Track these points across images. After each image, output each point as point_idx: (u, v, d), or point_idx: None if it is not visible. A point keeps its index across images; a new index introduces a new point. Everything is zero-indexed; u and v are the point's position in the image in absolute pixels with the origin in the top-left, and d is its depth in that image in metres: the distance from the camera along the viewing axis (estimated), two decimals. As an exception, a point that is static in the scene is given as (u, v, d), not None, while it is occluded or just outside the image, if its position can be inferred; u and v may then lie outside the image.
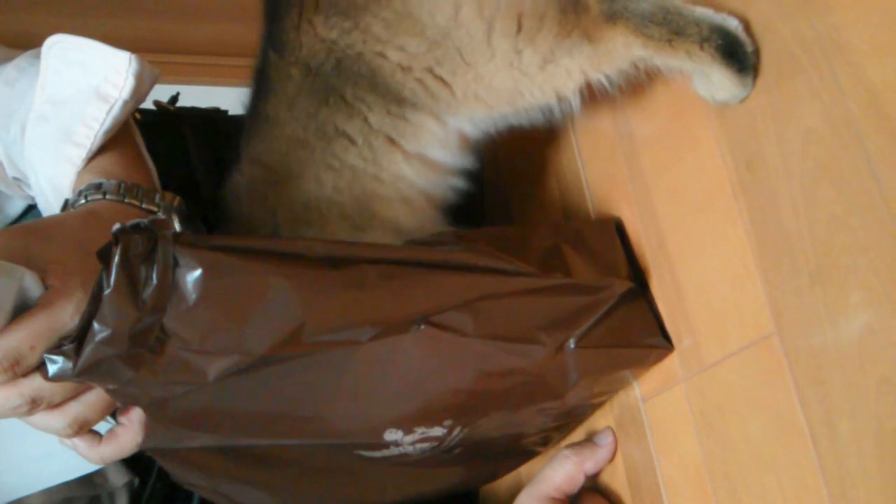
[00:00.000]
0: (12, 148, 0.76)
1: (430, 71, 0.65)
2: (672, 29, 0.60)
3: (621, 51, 0.61)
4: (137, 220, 0.46)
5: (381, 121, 0.68)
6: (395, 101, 0.67)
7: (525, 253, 0.60)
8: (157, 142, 0.76)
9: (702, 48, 0.59)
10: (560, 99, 0.65)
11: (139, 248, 0.46)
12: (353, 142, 0.68)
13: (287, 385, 0.54)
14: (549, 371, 0.61)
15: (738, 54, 0.57)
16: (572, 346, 0.60)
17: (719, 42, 0.58)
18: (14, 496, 0.77)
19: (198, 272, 0.47)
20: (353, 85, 0.67)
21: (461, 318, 0.56)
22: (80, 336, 0.47)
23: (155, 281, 0.46)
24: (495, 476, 0.82)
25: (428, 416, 0.61)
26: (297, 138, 0.69)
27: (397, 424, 0.60)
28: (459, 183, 0.75)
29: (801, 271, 0.52)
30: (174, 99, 0.92)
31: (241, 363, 0.50)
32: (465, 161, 0.74)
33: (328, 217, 0.69)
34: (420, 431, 0.61)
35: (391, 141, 0.69)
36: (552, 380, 0.62)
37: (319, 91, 0.68)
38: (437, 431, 0.62)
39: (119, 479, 0.90)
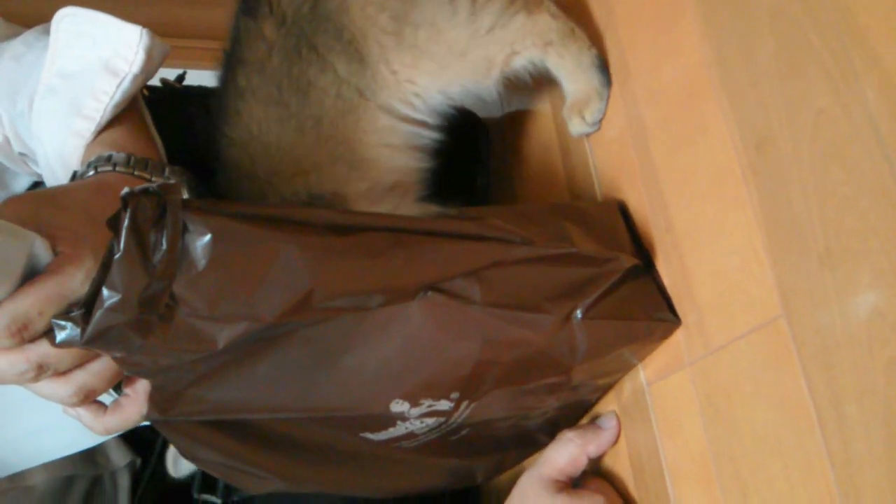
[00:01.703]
0: (19, 122, 0.76)
1: (395, 19, 0.70)
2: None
3: (542, 28, 0.73)
4: (146, 185, 0.46)
5: (349, 70, 0.70)
6: (356, 50, 0.71)
7: (531, 227, 0.60)
8: (164, 119, 0.76)
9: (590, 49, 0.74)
10: (489, 69, 0.74)
11: (148, 212, 0.46)
12: (326, 94, 0.70)
13: (295, 354, 0.54)
14: (556, 343, 0.61)
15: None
16: (579, 316, 0.60)
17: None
18: (14, 469, 0.77)
19: (207, 238, 0.47)
20: (323, 32, 0.69)
21: (468, 286, 0.57)
22: (90, 302, 0.47)
23: (164, 246, 0.46)
24: (500, 468, 0.82)
25: (434, 388, 0.61)
26: (273, 99, 0.70)
27: (404, 395, 0.60)
28: (439, 136, 0.78)
29: (810, 253, 0.52)
30: (181, 78, 0.92)
31: (251, 330, 0.50)
32: (438, 119, 0.77)
33: (321, 162, 0.70)
34: (426, 404, 0.61)
35: (361, 93, 0.71)
36: (559, 353, 0.62)
37: (291, 46, 0.70)
38: (444, 405, 0.62)
39: (121, 459, 0.91)
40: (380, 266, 0.53)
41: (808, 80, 0.52)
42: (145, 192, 0.46)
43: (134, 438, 0.91)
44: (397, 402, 0.60)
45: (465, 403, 0.63)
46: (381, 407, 0.61)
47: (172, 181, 0.64)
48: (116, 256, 0.45)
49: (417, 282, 0.55)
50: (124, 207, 0.46)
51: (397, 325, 0.56)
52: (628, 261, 0.63)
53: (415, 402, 0.61)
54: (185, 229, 0.47)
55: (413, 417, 0.63)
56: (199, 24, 1.50)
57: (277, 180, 0.71)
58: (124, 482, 0.91)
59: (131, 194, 0.46)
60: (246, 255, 0.49)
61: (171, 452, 0.78)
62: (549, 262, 0.60)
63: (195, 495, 0.82)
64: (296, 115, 0.70)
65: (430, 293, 0.56)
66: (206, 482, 0.82)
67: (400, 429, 0.64)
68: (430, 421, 0.64)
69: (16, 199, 0.57)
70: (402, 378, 0.59)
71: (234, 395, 0.56)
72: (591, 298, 0.61)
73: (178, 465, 0.80)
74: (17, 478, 0.82)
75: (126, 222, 0.45)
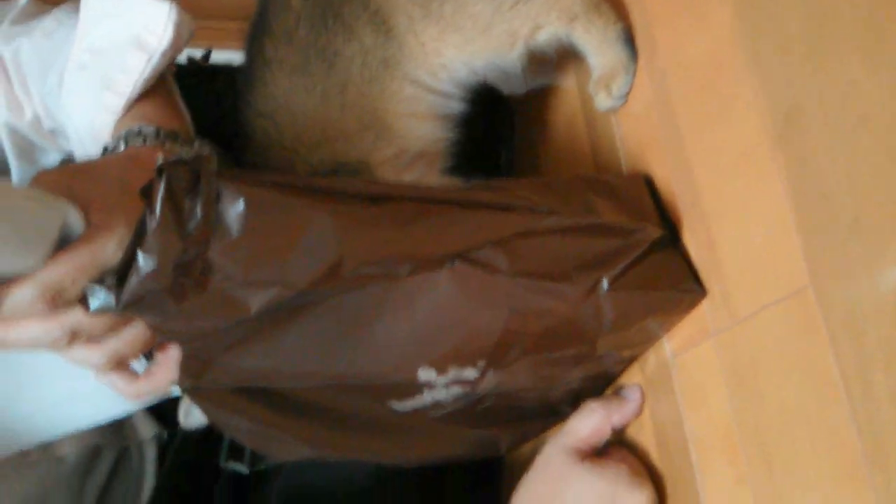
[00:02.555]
0: (49, 98, 0.77)
1: None
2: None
3: (567, 2, 0.73)
4: (180, 155, 0.47)
5: (375, 41, 0.70)
6: (382, 21, 0.71)
7: (557, 199, 0.60)
8: (191, 95, 0.77)
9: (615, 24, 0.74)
10: (513, 43, 0.74)
11: (183, 181, 0.47)
12: (352, 63, 0.71)
13: (324, 322, 0.55)
14: (582, 313, 0.61)
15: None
16: (605, 286, 0.61)
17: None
18: (47, 437, 0.78)
19: (241, 205, 0.48)
20: (349, 2, 0.70)
21: (495, 255, 0.57)
22: (125, 269, 0.48)
23: (199, 214, 0.47)
24: (524, 438, 0.82)
25: (461, 356, 0.61)
26: (299, 68, 0.71)
27: (431, 363, 0.61)
28: (463, 107, 0.79)
29: (838, 223, 0.52)
30: (206, 56, 0.92)
31: (283, 296, 0.51)
32: (462, 90, 0.78)
33: (347, 130, 0.71)
34: (453, 372, 0.62)
35: (386, 63, 0.71)
36: (585, 323, 0.62)
37: (318, 16, 0.71)
38: (470, 373, 0.63)
39: (148, 431, 0.92)
40: (408, 235, 0.54)
41: (839, 49, 0.52)
42: (180, 161, 0.47)
43: (160, 412, 0.92)
44: (424, 370, 0.61)
45: (490, 372, 0.64)
46: (408, 374, 0.61)
47: (204, 153, 0.65)
48: (152, 223, 0.46)
49: (445, 251, 0.56)
50: (159, 176, 0.47)
51: (425, 293, 0.57)
52: (654, 231, 0.63)
53: (442, 370, 0.62)
54: (219, 197, 0.48)
55: (439, 386, 0.63)
56: (222, 5, 1.50)
57: (303, 149, 0.72)
58: (151, 454, 0.93)
59: (167, 163, 0.47)
60: (278, 223, 0.50)
61: (184, 403, 0.79)
62: (576, 232, 0.60)
63: (222, 464, 0.83)
64: (321, 83, 0.71)
65: (457, 262, 0.56)
66: (233, 450, 0.83)
67: (426, 398, 0.65)
68: (457, 390, 0.65)
69: (49, 172, 0.58)
70: (429, 346, 0.60)
71: (264, 362, 0.57)
72: (618, 269, 0.61)
73: (190, 417, 0.81)
74: (48, 449, 0.83)
75: (162, 190, 0.46)
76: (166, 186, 0.46)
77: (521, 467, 0.73)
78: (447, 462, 0.77)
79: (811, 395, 0.53)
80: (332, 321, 0.56)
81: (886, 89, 0.49)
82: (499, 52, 0.74)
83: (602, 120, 0.81)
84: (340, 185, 0.53)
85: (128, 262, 0.49)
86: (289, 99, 0.72)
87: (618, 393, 0.71)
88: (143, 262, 0.47)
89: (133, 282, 0.47)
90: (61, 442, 0.84)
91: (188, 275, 0.48)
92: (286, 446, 0.66)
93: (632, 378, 0.73)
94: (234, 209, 0.48)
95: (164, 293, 0.48)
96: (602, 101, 0.76)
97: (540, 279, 0.59)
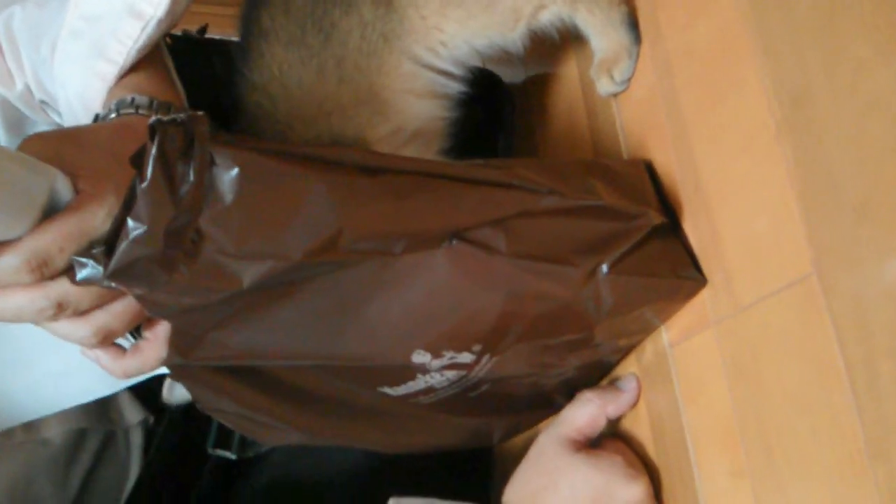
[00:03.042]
0: (41, 69, 0.75)
1: None
2: None
3: None
4: (174, 115, 0.45)
5: (374, 14, 0.69)
6: None
7: (558, 180, 0.59)
8: (185, 68, 0.76)
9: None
10: (515, 21, 0.73)
11: (176, 143, 0.45)
12: (350, 36, 0.69)
13: (318, 300, 0.54)
14: (581, 297, 0.60)
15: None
16: (605, 270, 0.60)
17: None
18: (32, 415, 0.77)
19: (235, 171, 0.46)
20: None
21: (494, 235, 0.56)
22: (113, 238, 0.47)
23: (192, 178, 0.45)
24: (518, 429, 0.81)
25: (457, 339, 0.60)
26: (295, 40, 0.70)
27: (426, 346, 0.59)
28: (462, 87, 0.78)
29: (845, 209, 0.50)
30: (203, 30, 0.91)
31: (277, 269, 0.49)
32: (461, 70, 0.77)
33: (343, 105, 0.70)
34: (448, 356, 0.61)
35: (385, 37, 0.70)
36: (583, 308, 0.61)
37: None
38: (466, 357, 0.61)
39: (134, 416, 0.91)
40: (406, 209, 0.52)
41: (848, 30, 0.51)
42: (173, 122, 0.45)
43: (147, 396, 0.91)
44: (419, 353, 0.60)
45: (486, 357, 0.62)
46: (402, 357, 0.60)
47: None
48: (143, 185, 0.44)
49: (443, 228, 0.54)
50: (151, 137, 0.45)
51: (422, 273, 0.55)
52: (656, 217, 0.62)
53: (437, 354, 0.60)
54: (212, 162, 0.46)
55: (434, 370, 0.62)
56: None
57: (298, 123, 0.70)
58: (137, 439, 0.91)
59: (160, 123, 0.45)
60: (274, 192, 0.48)
61: (169, 379, 0.77)
62: (576, 214, 0.59)
63: (209, 451, 0.82)
64: (318, 56, 0.69)
65: (455, 242, 0.55)
66: (221, 437, 0.82)
67: (419, 382, 0.63)
68: (451, 374, 0.63)
69: (38, 136, 0.56)
70: (424, 328, 0.58)
71: (255, 340, 0.55)
72: (618, 253, 0.60)
73: (173, 392, 0.80)
74: (32, 429, 0.82)
75: (153, 151, 0.45)
76: (158, 147, 0.45)
77: (513, 458, 0.72)
78: (439, 451, 0.76)
79: (814, 385, 0.52)
80: (325, 299, 0.54)
81: (898, 71, 0.48)
82: (501, 31, 0.73)
83: (603, 105, 0.80)
84: (337, 154, 0.51)
85: (117, 231, 0.47)
86: (284, 71, 0.71)
87: (613, 383, 0.70)
88: (133, 227, 0.45)
89: (122, 248, 0.45)
90: (46, 424, 0.83)
91: (179, 243, 0.47)
92: (274, 431, 0.65)
93: (628, 368, 0.72)
94: (228, 175, 0.46)
95: (153, 262, 0.46)
96: (604, 86, 0.75)
97: (539, 261, 0.58)
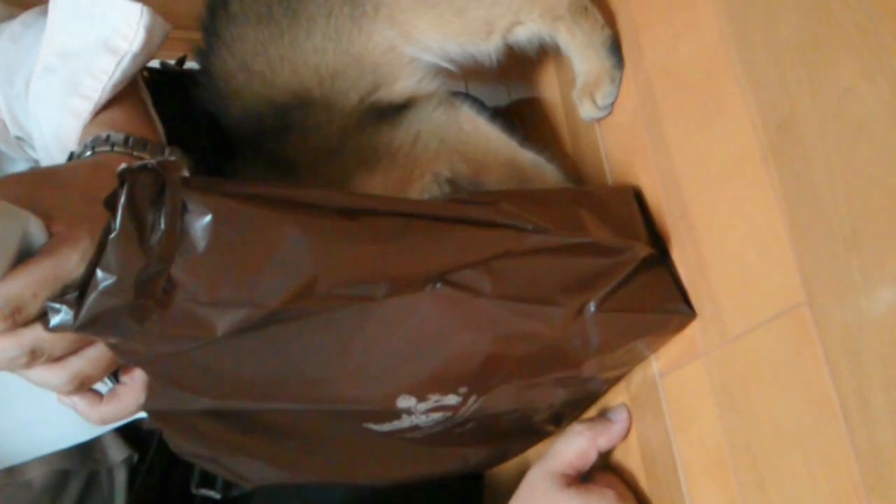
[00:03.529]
0: (16, 104, 0.74)
1: None
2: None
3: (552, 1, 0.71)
4: (145, 161, 0.44)
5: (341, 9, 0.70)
6: None
7: (543, 213, 0.58)
8: (163, 101, 0.74)
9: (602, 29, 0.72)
10: (488, 33, 0.72)
11: (147, 190, 0.44)
12: (318, 18, 0.70)
13: (297, 345, 0.52)
14: (568, 336, 0.59)
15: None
16: (592, 309, 0.59)
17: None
18: (9, 462, 0.75)
19: (208, 218, 0.45)
20: None
21: (478, 277, 0.54)
22: (85, 283, 0.45)
23: (163, 226, 0.44)
24: (506, 457, 0.80)
25: (442, 383, 0.59)
26: (263, 18, 0.70)
27: (411, 390, 0.58)
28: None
29: (834, 237, 0.50)
30: (181, 61, 0.90)
31: (252, 317, 0.48)
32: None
33: (335, 74, 0.70)
34: (434, 399, 0.59)
35: (354, 19, 0.71)
36: (571, 346, 0.60)
37: None
38: (452, 399, 0.60)
39: (118, 454, 0.89)
40: (387, 252, 0.51)
41: (833, 55, 0.50)
42: (143, 168, 0.44)
43: (131, 434, 0.89)
44: (404, 398, 0.58)
45: (472, 398, 0.61)
46: (386, 402, 0.59)
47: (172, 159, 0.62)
48: (112, 236, 0.43)
49: (426, 271, 0.53)
50: (121, 184, 0.44)
51: (405, 317, 0.54)
52: (643, 250, 0.61)
53: (422, 397, 0.59)
54: (184, 209, 0.45)
55: (420, 412, 0.61)
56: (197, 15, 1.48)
57: (280, 97, 0.70)
58: (121, 477, 0.89)
59: (129, 170, 0.43)
60: (248, 238, 0.46)
61: None
62: (562, 251, 0.58)
63: (193, 490, 0.80)
64: (292, 33, 0.70)
65: (439, 285, 0.54)
66: (205, 477, 0.80)
67: (405, 422, 0.62)
68: (437, 416, 0.62)
69: (10, 178, 0.55)
70: (409, 372, 0.57)
71: (232, 385, 0.54)
72: (605, 290, 0.59)
73: None
74: (14, 472, 0.80)
75: (123, 200, 0.43)
76: (128, 196, 0.43)
77: (504, 493, 0.71)
78: (424, 480, 0.75)
79: (806, 416, 0.51)
80: (304, 344, 0.53)
81: (884, 97, 0.47)
82: (473, 41, 0.72)
83: (586, 130, 0.79)
84: (316, 197, 0.49)
85: (89, 277, 0.46)
86: (253, 52, 0.72)
87: (604, 414, 0.69)
88: (102, 278, 0.43)
89: (91, 300, 0.44)
90: (28, 466, 0.81)
91: (150, 293, 0.45)
92: (256, 471, 0.63)
93: (617, 397, 0.70)
94: (201, 222, 0.45)
95: (124, 312, 0.45)
96: (587, 111, 0.75)
97: (525, 302, 0.57)
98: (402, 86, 0.74)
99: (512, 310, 0.56)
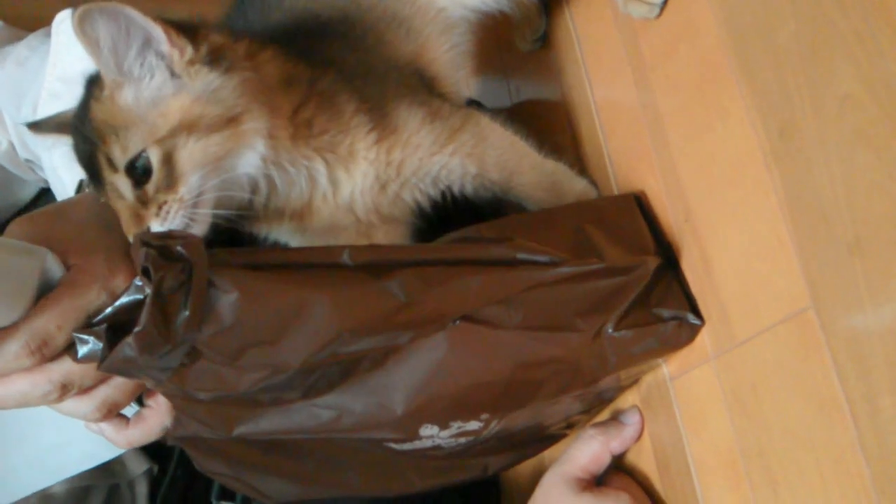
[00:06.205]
0: (24, 129, 0.75)
1: None
2: None
3: None
4: (167, 244, 0.45)
5: None
6: None
7: (553, 238, 0.59)
8: None
9: None
10: None
11: (173, 281, 0.46)
12: None
13: (321, 383, 0.54)
14: (587, 358, 0.60)
15: None
16: (610, 330, 0.60)
17: None
18: (36, 488, 0.76)
19: (234, 296, 0.47)
20: None
21: (498, 311, 0.56)
22: (113, 319, 0.47)
23: (188, 311, 0.46)
24: (522, 460, 0.80)
25: (464, 410, 0.60)
26: None
27: (433, 420, 0.60)
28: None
29: (838, 242, 0.50)
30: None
31: (274, 376, 0.49)
32: None
33: (380, 27, 0.71)
34: (456, 426, 0.61)
35: None
36: (589, 366, 0.61)
37: None
38: (474, 425, 0.62)
39: (138, 466, 0.90)
40: (411, 306, 0.53)
41: (832, 61, 0.50)
42: (168, 255, 0.45)
43: (151, 446, 0.90)
44: (427, 427, 0.60)
45: (494, 422, 0.63)
46: (410, 432, 0.60)
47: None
48: (137, 329, 0.45)
49: (450, 315, 0.55)
50: (146, 275, 0.45)
51: (425, 353, 0.56)
52: (653, 262, 0.61)
53: (444, 426, 0.61)
54: (210, 284, 0.47)
55: (443, 438, 0.62)
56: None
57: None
58: (142, 490, 0.90)
59: (155, 262, 0.45)
60: (273, 309, 0.49)
61: None
62: (579, 279, 0.59)
63: (213, 502, 0.81)
64: None
65: (459, 321, 0.55)
66: (225, 489, 0.81)
67: (427, 443, 0.63)
68: (461, 440, 0.63)
69: (23, 219, 0.56)
70: (431, 403, 0.58)
71: (256, 422, 0.56)
72: (621, 309, 0.60)
73: None
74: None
75: (149, 298, 0.45)
76: (155, 290, 0.45)
77: (520, 496, 0.72)
78: (440, 489, 0.76)
79: (816, 419, 0.52)
80: (327, 383, 0.54)
81: (884, 100, 0.47)
82: None
83: (589, 133, 0.79)
84: (339, 255, 0.52)
85: (116, 314, 0.47)
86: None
87: (616, 418, 0.69)
88: (127, 349, 0.45)
89: (115, 357, 0.45)
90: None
91: (172, 362, 0.47)
92: (276, 488, 0.64)
93: (629, 399, 0.71)
94: (228, 299, 0.47)
95: (147, 370, 0.47)
96: (636, 9, 0.70)
97: (544, 330, 0.58)
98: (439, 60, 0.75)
99: (531, 338, 0.58)
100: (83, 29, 0.54)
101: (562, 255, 0.58)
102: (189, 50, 0.57)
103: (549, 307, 0.58)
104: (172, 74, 0.57)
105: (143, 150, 0.56)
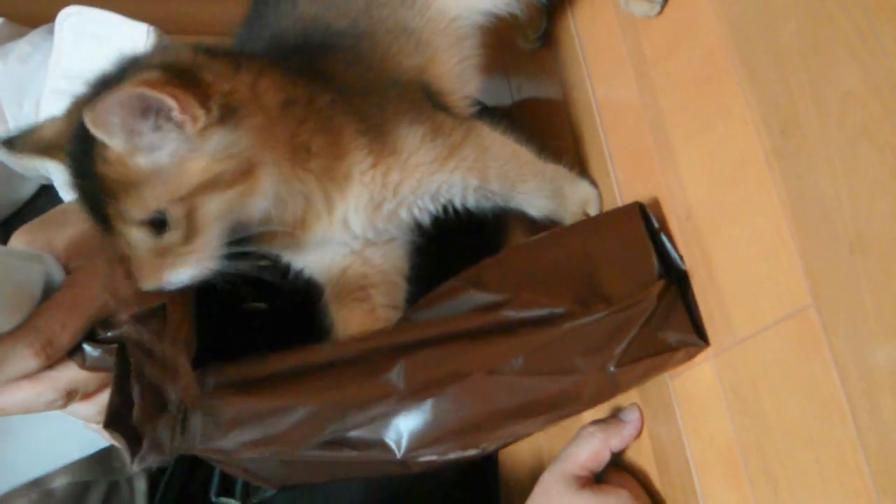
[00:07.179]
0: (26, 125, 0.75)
1: None
2: None
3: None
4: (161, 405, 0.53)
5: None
6: None
7: (560, 287, 0.62)
8: None
9: None
10: None
11: (168, 432, 0.53)
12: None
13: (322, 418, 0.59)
14: (591, 391, 0.62)
15: None
16: (612, 369, 0.61)
17: None
18: (38, 474, 0.77)
19: (229, 416, 0.54)
20: None
21: (507, 363, 0.60)
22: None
23: (182, 440, 0.54)
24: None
25: (463, 443, 0.62)
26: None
27: (432, 451, 0.62)
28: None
29: (840, 240, 0.50)
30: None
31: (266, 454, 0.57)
32: None
33: (387, 40, 0.70)
34: (454, 455, 0.63)
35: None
36: (590, 395, 0.63)
37: None
38: (472, 452, 0.63)
39: (136, 463, 0.90)
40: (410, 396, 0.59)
41: (834, 59, 0.50)
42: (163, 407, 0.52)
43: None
44: (425, 456, 0.62)
45: (493, 446, 0.64)
46: (409, 459, 0.62)
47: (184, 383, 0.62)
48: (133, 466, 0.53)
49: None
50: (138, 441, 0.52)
51: (428, 403, 0.60)
52: (657, 288, 0.61)
53: (443, 455, 0.62)
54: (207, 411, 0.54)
55: (440, 460, 0.64)
56: (205, 20, 1.48)
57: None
58: (141, 486, 0.90)
59: (150, 429, 0.52)
60: (266, 420, 0.55)
61: None
62: (585, 325, 0.61)
63: (213, 498, 0.81)
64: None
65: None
66: (224, 485, 0.81)
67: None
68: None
69: (24, 229, 0.58)
70: (430, 442, 0.61)
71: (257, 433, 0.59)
72: (624, 344, 0.61)
73: None
74: (37, 483, 0.81)
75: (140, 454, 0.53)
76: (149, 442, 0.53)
77: (519, 494, 0.72)
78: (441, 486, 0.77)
79: (816, 417, 0.52)
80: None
81: (886, 100, 0.47)
82: None
83: (590, 132, 0.79)
84: (333, 352, 0.59)
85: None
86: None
87: (616, 415, 0.69)
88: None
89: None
90: (50, 476, 0.82)
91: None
92: (277, 470, 0.66)
93: (629, 396, 0.71)
94: (220, 418, 0.54)
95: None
96: (637, 7, 0.71)
97: (545, 375, 0.60)
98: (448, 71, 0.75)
99: (533, 381, 0.61)
100: (95, 123, 0.53)
101: (571, 307, 0.60)
102: (201, 115, 0.56)
103: (551, 353, 0.60)
104: (186, 138, 0.57)
105: (163, 208, 0.56)
